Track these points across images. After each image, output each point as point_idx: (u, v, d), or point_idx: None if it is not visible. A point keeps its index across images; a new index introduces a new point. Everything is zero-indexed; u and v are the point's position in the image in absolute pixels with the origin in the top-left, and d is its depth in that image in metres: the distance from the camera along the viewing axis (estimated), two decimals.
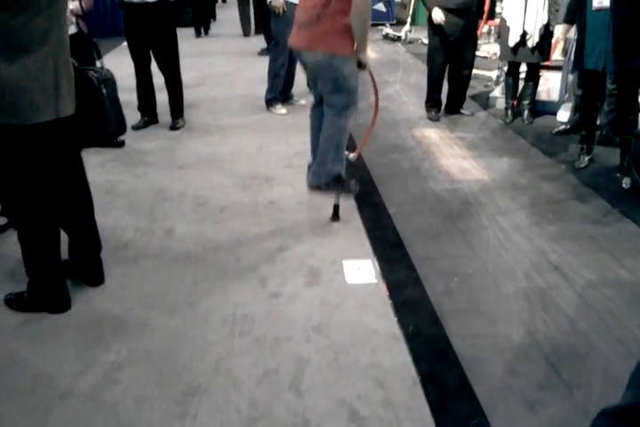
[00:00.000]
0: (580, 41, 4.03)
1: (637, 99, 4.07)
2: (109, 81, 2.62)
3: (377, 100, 3.38)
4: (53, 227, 2.43)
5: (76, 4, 4.22)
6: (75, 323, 2.43)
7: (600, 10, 3.83)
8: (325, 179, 3.20)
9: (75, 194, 2.54)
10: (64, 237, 2.57)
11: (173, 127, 4.88)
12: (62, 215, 2.54)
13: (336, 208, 3.29)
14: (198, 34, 9.92)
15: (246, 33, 10.00)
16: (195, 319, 2.45)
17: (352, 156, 3.38)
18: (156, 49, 4.70)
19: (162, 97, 4.95)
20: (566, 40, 4.76)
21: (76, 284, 2.64)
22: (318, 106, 3.26)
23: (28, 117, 2.15)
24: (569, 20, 4.34)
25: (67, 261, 2.65)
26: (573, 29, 4.47)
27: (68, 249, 2.65)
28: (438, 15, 4.98)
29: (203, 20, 9.99)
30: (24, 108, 2.13)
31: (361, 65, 3.06)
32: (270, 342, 2.32)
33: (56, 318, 2.46)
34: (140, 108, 4.92)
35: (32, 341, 2.32)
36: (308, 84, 3.51)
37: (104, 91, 2.48)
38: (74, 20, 4.23)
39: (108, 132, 2.57)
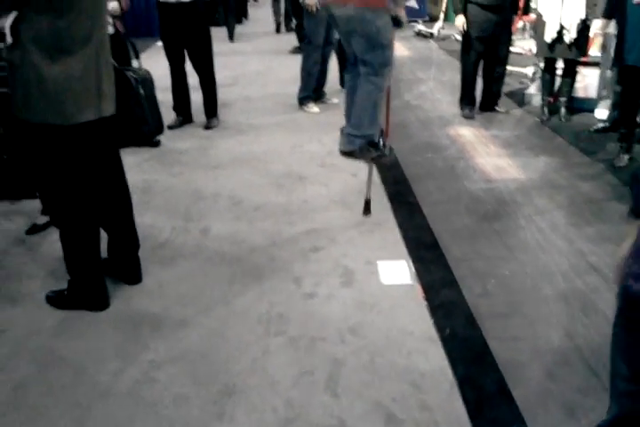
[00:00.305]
0: (621, 36, 3.94)
1: None
2: (147, 81, 2.66)
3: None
4: (94, 226, 2.47)
5: (114, 4, 4.29)
6: (114, 321, 2.47)
7: None
8: (360, 143, 3.08)
9: (114, 193, 2.58)
10: (103, 235, 2.62)
11: (208, 126, 4.92)
12: (102, 214, 2.58)
13: (367, 202, 3.26)
14: (232, 38, 9.51)
15: (278, 30, 10.05)
16: (231, 319, 2.47)
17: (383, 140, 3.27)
18: (191, 49, 4.74)
19: (196, 97, 4.99)
20: (605, 35, 4.65)
21: (115, 282, 2.68)
22: (353, 66, 3.12)
23: (71, 117, 2.19)
24: (608, 15, 4.24)
25: (105, 259, 2.69)
26: (612, 24, 4.36)
27: (107, 248, 2.70)
28: (461, 22, 4.97)
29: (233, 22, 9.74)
30: (68, 107, 2.18)
31: (397, 22, 2.95)
32: (306, 342, 2.32)
33: (95, 315, 2.50)
34: (175, 108, 4.97)
35: (72, 338, 2.37)
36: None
37: (142, 91, 2.52)
38: (110, 20, 4.29)
39: (146, 131, 2.61)
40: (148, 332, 2.40)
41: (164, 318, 2.49)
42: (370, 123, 3.02)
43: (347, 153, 3.14)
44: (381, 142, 3.14)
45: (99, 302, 2.54)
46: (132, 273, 2.72)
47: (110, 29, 4.13)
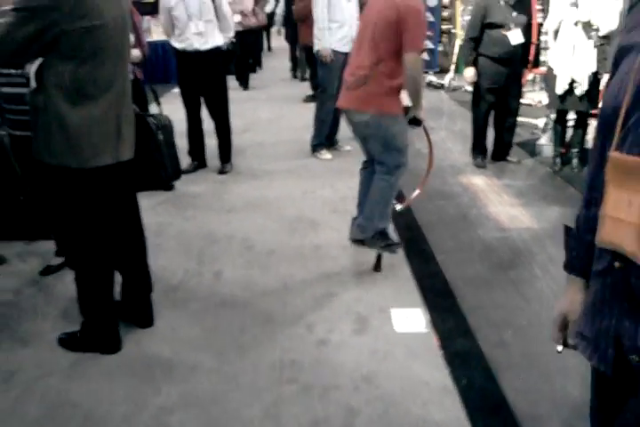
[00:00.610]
0: None
1: None
2: (167, 127, 2.71)
3: (431, 154, 3.41)
4: (109, 268, 2.48)
5: (136, 51, 4.42)
6: (125, 364, 2.45)
7: None
8: (370, 233, 3.21)
9: (130, 235, 2.60)
10: (117, 279, 2.62)
11: (222, 171, 4.99)
12: (117, 256, 2.59)
13: (379, 258, 3.28)
14: (245, 86, 9.34)
15: (295, 75, 10.36)
16: (243, 364, 2.44)
17: (399, 207, 3.39)
18: (208, 95, 4.86)
19: (209, 142, 5.08)
20: None
21: (127, 326, 2.66)
22: (370, 163, 3.29)
23: (88, 160, 2.23)
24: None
25: (118, 302, 2.68)
26: None
27: (121, 290, 2.70)
28: (471, 73, 5.10)
29: (245, 72, 9.52)
30: (86, 151, 2.22)
31: (417, 122, 3.07)
32: (319, 390, 2.28)
33: (107, 358, 2.48)
34: (190, 153, 5.05)
35: (83, 381, 2.34)
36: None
37: (161, 137, 2.56)
38: (130, 67, 4.42)
39: (164, 176, 2.64)
40: (159, 376, 2.37)
41: (176, 362, 2.46)
42: (380, 217, 3.18)
43: (357, 241, 3.28)
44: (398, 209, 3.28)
45: (111, 345, 2.52)
46: (144, 316, 2.70)
47: (130, 76, 4.28)
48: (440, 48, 12.12)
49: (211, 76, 4.78)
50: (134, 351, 2.53)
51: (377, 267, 3.29)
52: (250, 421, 2.11)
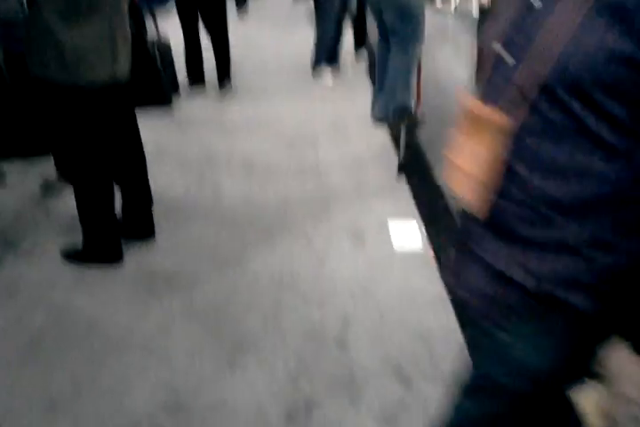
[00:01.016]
0: None
1: None
2: (164, 46, 2.66)
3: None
4: (108, 181, 2.49)
5: None
6: (128, 276, 2.51)
7: None
8: (393, 109, 3.15)
9: (128, 151, 2.59)
10: (118, 196, 2.64)
11: (221, 88, 4.88)
12: (116, 171, 2.60)
13: (401, 167, 3.28)
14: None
15: None
16: (243, 276, 2.50)
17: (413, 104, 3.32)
18: (205, 11, 4.67)
19: (209, 60, 4.95)
20: None
21: (129, 242, 2.69)
22: (383, 40, 3.19)
23: (85, 77, 2.20)
24: None
25: (120, 219, 2.71)
26: None
27: (122, 205, 2.71)
28: None
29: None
30: (82, 68, 2.19)
31: None
32: (317, 298, 2.35)
33: (110, 272, 2.54)
34: (188, 72, 4.93)
35: (86, 292, 2.41)
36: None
37: (157, 54, 2.51)
38: None
39: (162, 90, 2.61)
40: (161, 287, 2.43)
41: (178, 274, 2.52)
42: (403, 91, 3.08)
43: (380, 119, 3.19)
44: (414, 108, 3.18)
45: (113, 256, 2.57)
46: (145, 228, 2.74)
47: None
48: None
49: None
50: (136, 265, 2.59)
51: (401, 170, 3.28)
52: (250, 328, 2.19)
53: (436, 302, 2.33)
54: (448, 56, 6.07)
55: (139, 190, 2.67)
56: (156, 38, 2.61)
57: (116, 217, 2.58)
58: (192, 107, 4.53)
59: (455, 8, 8.82)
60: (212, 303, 2.33)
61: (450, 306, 2.31)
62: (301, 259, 2.62)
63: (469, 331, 1.36)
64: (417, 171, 3.51)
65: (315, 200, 3.13)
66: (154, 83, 2.57)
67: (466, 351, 2.02)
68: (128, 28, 2.36)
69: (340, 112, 4.37)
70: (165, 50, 2.66)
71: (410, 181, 3.35)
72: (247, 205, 3.08)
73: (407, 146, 3.59)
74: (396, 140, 3.82)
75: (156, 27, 2.92)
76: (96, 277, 2.50)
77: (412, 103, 3.12)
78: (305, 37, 6.51)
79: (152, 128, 4.05)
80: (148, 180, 2.70)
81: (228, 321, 2.23)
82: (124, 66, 2.34)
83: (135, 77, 2.41)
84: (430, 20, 8.25)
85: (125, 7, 2.32)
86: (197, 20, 4.74)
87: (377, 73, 3.25)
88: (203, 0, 4.58)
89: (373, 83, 4.11)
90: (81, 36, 2.14)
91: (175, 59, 4.98)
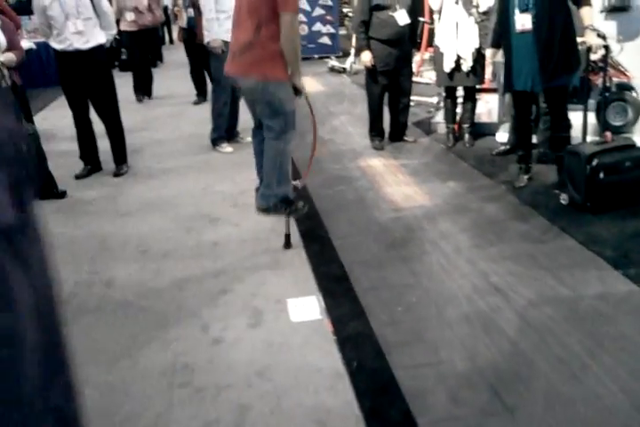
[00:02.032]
0: (508, 63, 4.15)
1: (567, 116, 4.18)
2: (32, 136, 2.61)
3: (314, 124, 3.47)
4: None
5: (9, 55, 4.21)
6: None
7: (524, 32, 3.96)
8: (273, 201, 3.25)
9: None
10: None
11: (117, 174, 4.84)
12: None
13: (287, 237, 3.35)
14: (140, 97, 7.90)
15: None
16: (133, 374, 2.39)
17: (298, 183, 3.44)
18: (94, 96, 4.69)
19: (105, 144, 4.92)
20: (494, 63, 4.90)
21: None
22: (258, 130, 3.35)
23: None
24: (495, 44, 4.47)
25: None
26: (500, 53, 4.61)
27: None
28: (367, 58, 5.14)
29: (143, 81, 7.99)
30: None
31: (297, 91, 3.13)
32: (211, 391, 2.27)
33: None
34: (82, 157, 4.88)
35: None
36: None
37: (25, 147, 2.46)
38: (6, 72, 4.20)
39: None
40: None
41: None
42: (279, 182, 3.22)
43: (262, 210, 3.34)
44: (293, 197, 3.31)
45: None
46: None
47: (6, 81, 4.06)
48: (342, 32, 12.20)
49: (96, 75, 4.61)
50: None
51: (287, 245, 3.36)
52: None
53: (334, 378, 2.31)
54: (345, 116, 6.33)
55: None
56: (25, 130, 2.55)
57: None
58: (86, 193, 4.45)
59: (350, 66, 9.30)
60: (98, 408, 2.19)
61: (347, 380, 2.29)
62: (196, 348, 2.54)
63: None
64: (316, 241, 3.55)
65: (211, 282, 3.08)
66: None
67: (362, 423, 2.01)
68: None
69: (240, 185, 4.39)
70: (34, 140, 2.61)
71: (309, 252, 3.38)
72: (140, 293, 2.99)
73: (306, 217, 3.65)
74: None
75: (27, 117, 2.87)
76: None
77: (291, 192, 3.28)
78: (202, 107, 6.67)
79: (42, 219, 3.94)
80: None
81: (116, 426, 2.10)
82: None
83: None
84: (329, 79, 8.58)
85: None
86: (87, 105, 4.74)
87: (255, 163, 3.39)
88: (90, 84, 4.60)
89: None
90: None
91: (70, 144, 4.96)
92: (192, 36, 6.74)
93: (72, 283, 3.12)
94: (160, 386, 2.31)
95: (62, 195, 4.33)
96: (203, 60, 6.59)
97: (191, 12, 6.87)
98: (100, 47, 4.64)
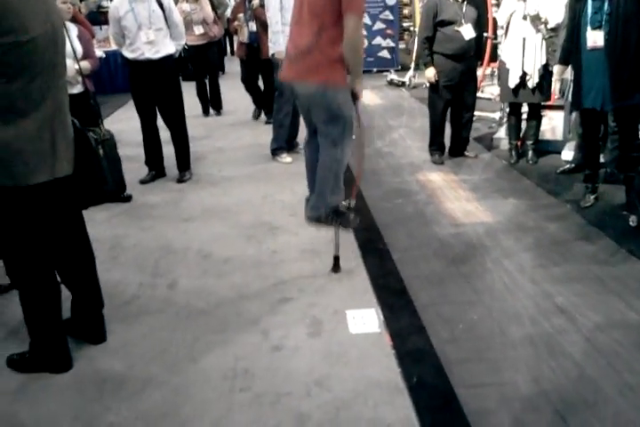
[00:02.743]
0: (577, 80, 4.07)
1: (638, 136, 4.06)
2: (108, 141, 2.70)
3: (363, 133, 3.37)
4: (54, 286, 2.45)
5: (85, 63, 4.37)
6: (76, 382, 2.42)
7: (595, 49, 3.88)
8: (324, 211, 3.18)
9: (75, 252, 2.57)
10: (67, 294, 2.60)
11: (180, 180, 4.96)
12: (64, 273, 2.57)
13: (336, 259, 3.28)
14: (206, 112, 7.84)
15: None
16: (195, 376, 2.43)
17: (350, 202, 3.38)
18: (162, 104, 4.83)
19: (169, 150, 5.05)
20: (562, 81, 4.81)
21: (78, 342, 2.64)
22: (312, 138, 3.25)
23: (22, 179, 2.20)
24: (563, 61, 4.39)
25: (68, 319, 2.66)
26: (569, 70, 4.52)
27: (71, 307, 2.67)
28: (432, 73, 5.11)
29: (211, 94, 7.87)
30: (19, 169, 2.18)
31: (354, 96, 3.05)
32: (271, 397, 2.28)
33: (57, 378, 2.45)
34: (147, 163, 5.02)
35: (32, 402, 2.31)
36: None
37: (101, 151, 2.54)
38: (80, 79, 4.36)
39: (106, 192, 2.62)
40: (110, 392, 2.35)
41: (128, 377, 2.44)
42: (332, 193, 3.15)
43: (313, 220, 3.25)
44: (350, 204, 3.23)
45: (61, 364, 2.49)
46: (95, 332, 2.68)
47: (79, 88, 4.22)
48: (401, 46, 12.20)
49: (164, 84, 4.75)
50: (85, 369, 2.50)
51: (336, 268, 3.29)
52: None
53: (393, 392, 2.29)
54: (403, 129, 6.32)
55: (88, 293, 2.63)
56: (99, 133, 2.64)
57: (63, 324, 2.52)
58: (150, 198, 4.57)
59: (410, 80, 9.29)
60: (161, 408, 2.24)
61: (407, 395, 2.27)
62: (256, 353, 2.56)
63: None
64: (374, 253, 3.54)
65: (271, 290, 3.11)
66: (97, 180, 2.58)
67: None
68: (70, 125, 2.38)
69: (299, 194, 4.41)
70: (110, 145, 2.69)
71: (368, 265, 3.37)
72: (201, 298, 3.05)
73: (355, 229, 3.62)
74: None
75: (101, 122, 2.96)
76: (43, 385, 2.41)
77: (341, 201, 3.23)
78: (264, 127, 6.75)
79: (108, 222, 4.08)
80: (97, 281, 2.66)
81: None
82: (66, 163, 2.32)
83: (78, 174, 2.41)
84: (387, 93, 8.54)
85: (67, 103, 2.36)
86: (155, 113, 4.89)
87: (306, 171, 3.33)
88: (159, 93, 4.74)
89: None
90: (18, 134, 2.13)
91: (136, 150, 5.11)
92: (253, 51, 6.63)
93: (136, 285, 3.20)
94: (221, 390, 2.34)
95: (128, 199, 4.47)
96: (263, 74, 6.67)
97: (253, 26, 6.63)
98: (169, 57, 4.78)
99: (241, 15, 6.71)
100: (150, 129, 4.92)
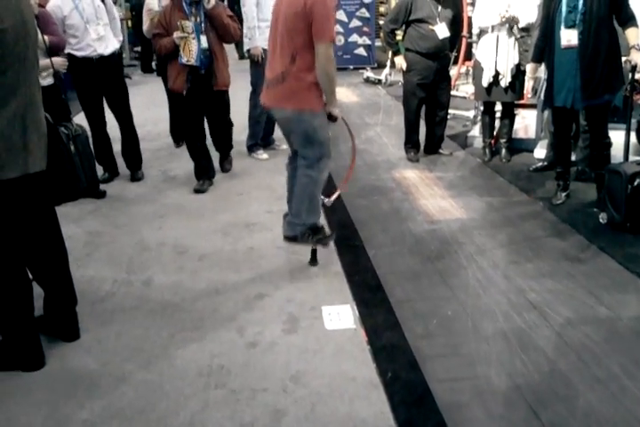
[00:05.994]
0: (550, 79, 4.13)
1: (608, 134, 4.14)
2: (80, 137, 2.66)
3: (354, 146, 3.48)
4: (25, 283, 2.42)
5: (59, 59, 4.21)
6: (48, 380, 2.39)
7: (568, 48, 3.93)
8: (300, 230, 3.23)
9: (48, 248, 2.54)
10: (39, 292, 2.56)
11: (135, 179, 4.87)
12: (36, 270, 2.53)
13: (314, 252, 3.31)
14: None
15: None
16: (171, 372, 2.42)
17: (327, 201, 3.42)
18: (113, 101, 4.68)
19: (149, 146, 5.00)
20: (535, 79, 4.88)
21: (51, 340, 2.61)
22: (293, 159, 3.33)
23: None
24: (537, 59, 4.45)
25: (41, 316, 2.63)
26: (542, 68, 4.58)
27: (43, 304, 2.64)
28: (401, 60, 5.19)
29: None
30: None
31: (331, 118, 3.13)
32: (247, 393, 2.28)
33: (29, 375, 2.42)
34: (100, 162, 4.85)
35: (2, 401, 2.28)
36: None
37: (72, 147, 2.51)
38: (51, 71, 4.24)
39: (79, 188, 2.59)
40: (84, 390, 2.33)
41: (102, 374, 2.42)
42: (308, 212, 3.21)
43: (289, 238, 3.30)
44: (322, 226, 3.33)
45: (33, 362, 2.46)
46: (68, 329, 2.65)
47: (49, 80, 4.07)
48: (378, 43, 12.24)
49: (115, 79, 4.62)
50: (58, 367, 2.47)
51: (313, 261, 3.32)
52: None
53: (368, 387, 2.31)
54: (379, 127, 6.35)
55: (60, 290, 2.60)
56: (71, 129, 2.61)
57: (35, 321, 2.49)
58: (124, 195, 4.53)
59: (386, 78, 9.32)
60: (136, 405, 2.23)
61: (382, 390, 2.29)
62: (231, 350, 2.56)
63: None
64: (350, 250, 3.56)
65: (247, 286, 3.10)
66: (69, 176, 2.54)
67: None
68: (43, 120, 2.34)
69: (276, 191, 4.41)
70: (82, 140, 2.66)
71: (344, 261, 3.39)
72: (177, 294, 3.03)
73: (331, 226, 3.65)
74: (329, 217, 3.90)
75: (70, 117, 2.92)
76: (15, 383, 2.37)
77: (319, 221, 3.30)
78: (238, 112, 6.71)
79: (82, 219, 4.02)
80: (70, 278, 2.63)
81: (152, 424, 2.13)
82: (38, 158, 2.28)
83: (50, 171, 2.37)
84: (364, 90, 8.55)
85: (39, 96, 2.32)
86: (103, 112, 4.70)
87: (287, 190, 3.39)
88: (109, 89, 4.62)
89: None
90: None
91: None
92: (201, 81, 4.66)
93: (110, 282, 3.17)
94: (196, 386, 2.33)
95: (102, 194, 4.41)
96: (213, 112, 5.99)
97: (204, 41, 4.30)
98: (115, 52, 4.68)
99: (186, 23, 4.29)
100: (103, 129, 4.77)
